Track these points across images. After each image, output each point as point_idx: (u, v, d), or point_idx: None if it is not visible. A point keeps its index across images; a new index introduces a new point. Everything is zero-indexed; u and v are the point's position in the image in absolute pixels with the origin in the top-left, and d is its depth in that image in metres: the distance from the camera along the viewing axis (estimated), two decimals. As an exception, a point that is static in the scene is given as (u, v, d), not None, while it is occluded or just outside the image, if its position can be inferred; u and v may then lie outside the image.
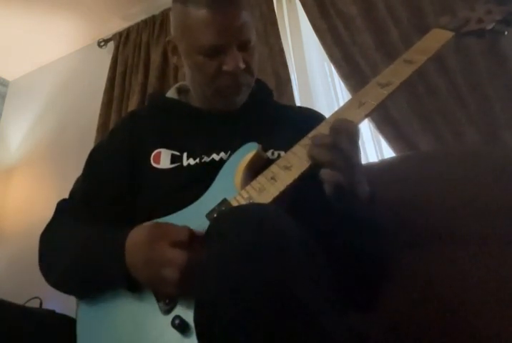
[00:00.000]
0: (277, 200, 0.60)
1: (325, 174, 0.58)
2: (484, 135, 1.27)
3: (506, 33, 0.76)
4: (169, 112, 0.87)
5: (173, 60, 0.87)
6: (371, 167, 1.03)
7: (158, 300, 0.60)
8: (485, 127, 1.27)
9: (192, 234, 0.59)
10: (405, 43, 1.48)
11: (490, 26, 0.75)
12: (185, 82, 0.93)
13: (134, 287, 0.62)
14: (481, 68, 1.33)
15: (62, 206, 0.83)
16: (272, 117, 0.88)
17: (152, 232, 0.61)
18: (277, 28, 1.83)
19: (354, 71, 1.55)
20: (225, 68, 0.75)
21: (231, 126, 0.83)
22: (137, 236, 0.63)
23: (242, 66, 0.75)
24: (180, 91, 0.94)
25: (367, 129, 1.58)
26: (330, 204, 0.63)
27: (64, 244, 0.74)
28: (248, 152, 0.72)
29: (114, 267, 0.63)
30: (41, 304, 1.76)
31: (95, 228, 0.72)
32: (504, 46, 1.31)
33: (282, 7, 1.95)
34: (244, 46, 0.76)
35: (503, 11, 0.75)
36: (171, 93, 0.93)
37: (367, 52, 1.55)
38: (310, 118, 0.90)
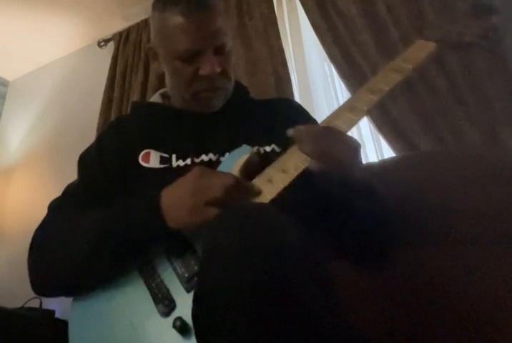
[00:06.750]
0: (274, 201, 0.61)
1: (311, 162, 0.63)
2: (484, 135, 1.27)
3: (485, 45, 0.80)
4: (153, 116, 0.88)
5: (154, 66, 0.89)
6: (371, 167, 1.04)
7: (156, 303, 0.60)
8: (485, 127, 1.27)
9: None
10: (405, 43, 1.47)
11: (469, 39, 0.79)
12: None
13: (168, 232, 0.62)
14: (481, 68, 1.33)
15: (56, 204, 0.83)
16: (252, 114, 0.90)
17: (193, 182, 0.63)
18: (277, 28, 1.83)
19: (354, 71, 1.55)
20: (201, 72, 0.77)
21: (215, 127, 0.84)
22: (176, 187, 0.65)
23: (218, 69, 0.77)
24: (164, 96, 0.95)
25: (367, 129, 1.58)
26: (326, 203, 0.64)
27: (81, 226, 0.70)
28: (241, 156, 0.72)
29: (147, 208, 0.64)
30: (40, 304, 1.76)
31: (109, 209, 0.70)
32: (504, 46, 1.31)
33: (282, 7, 1.95)
34: (219, 51, 0.78)
35: (479, 26, 0.79)
36: (154, 99, 0.94)
37: (367, 52, 1.55)
38: (288, 108, 0.94)
